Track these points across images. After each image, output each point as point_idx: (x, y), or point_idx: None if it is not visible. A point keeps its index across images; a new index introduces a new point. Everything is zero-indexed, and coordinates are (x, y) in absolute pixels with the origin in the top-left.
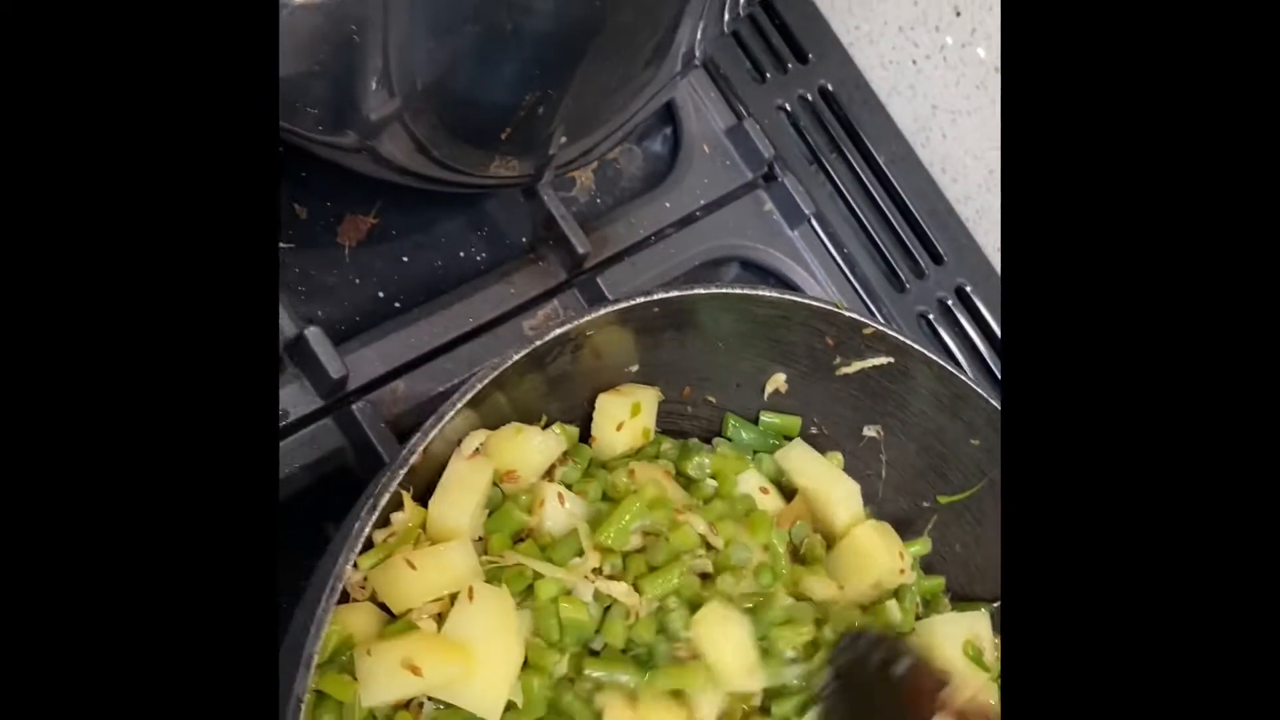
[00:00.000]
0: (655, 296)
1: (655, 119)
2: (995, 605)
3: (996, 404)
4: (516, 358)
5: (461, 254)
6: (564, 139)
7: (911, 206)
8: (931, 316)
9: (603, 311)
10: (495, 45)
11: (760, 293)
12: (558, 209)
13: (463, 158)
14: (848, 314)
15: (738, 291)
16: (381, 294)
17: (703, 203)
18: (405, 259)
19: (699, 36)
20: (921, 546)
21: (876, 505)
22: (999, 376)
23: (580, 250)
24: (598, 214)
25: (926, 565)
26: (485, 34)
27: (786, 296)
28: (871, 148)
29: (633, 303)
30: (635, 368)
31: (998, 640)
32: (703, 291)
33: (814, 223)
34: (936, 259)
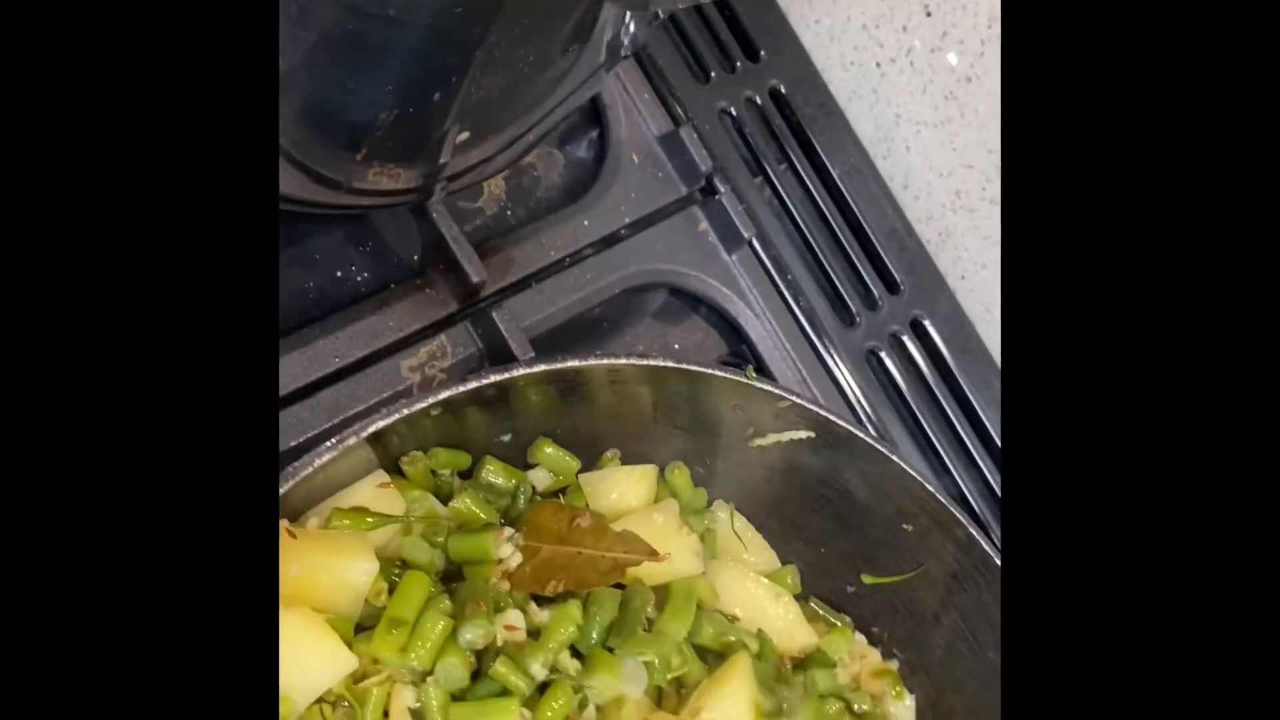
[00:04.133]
0: (487, 381)
1: (580, 119)
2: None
3: (931, 487)
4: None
5: (339, 274)
6: (465, 135)
7: (867, 226)
8: (882, 353)
9: (438, 398)
10: (343, 51)
11: (654, 364)
12: (449, 229)
13: (331, 166)
14: (759, 386)
15: (623, 363)
16: None
17: (628, 220)
18: None
19: (629, 25)
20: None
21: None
22: (950, 417)
23: (474, 278)
24: (506, 229)
25: None
26: (326, 37)
27: (686, 367)
28: (825, 158)
29: (465, 388)
30: (507, 437)
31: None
32: (579, 365)
33: (755, 244)
34: (892, 287)
